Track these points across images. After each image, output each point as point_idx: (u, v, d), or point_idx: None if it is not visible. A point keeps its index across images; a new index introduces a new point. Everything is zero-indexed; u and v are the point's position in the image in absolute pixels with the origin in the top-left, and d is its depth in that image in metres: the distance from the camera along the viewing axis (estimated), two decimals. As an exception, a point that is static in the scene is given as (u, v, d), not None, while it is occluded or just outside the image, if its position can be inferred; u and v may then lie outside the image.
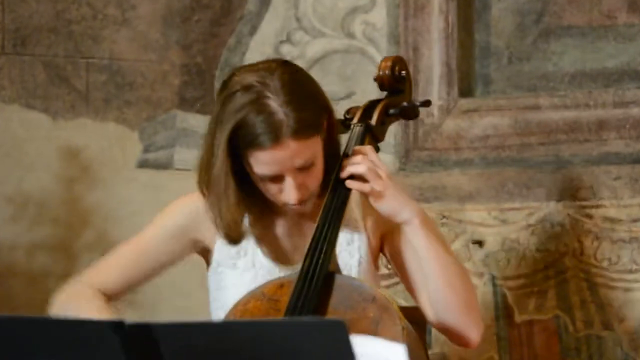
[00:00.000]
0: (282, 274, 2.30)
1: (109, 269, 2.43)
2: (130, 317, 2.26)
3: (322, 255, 2.21)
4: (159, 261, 2.43)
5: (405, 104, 2.43)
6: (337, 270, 2.25)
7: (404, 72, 2.45)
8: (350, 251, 2.42)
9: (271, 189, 2.30)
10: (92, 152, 3.34)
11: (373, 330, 2.09)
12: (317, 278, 2.19)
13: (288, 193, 2.28)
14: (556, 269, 3.05)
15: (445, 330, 2.32)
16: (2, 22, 3.33)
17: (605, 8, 3.19)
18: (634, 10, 3.17)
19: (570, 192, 3.08)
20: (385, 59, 2.47)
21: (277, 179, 2.29)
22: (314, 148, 2.30)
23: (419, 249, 2.28)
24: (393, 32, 3.30)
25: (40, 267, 3.27)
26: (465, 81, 3.29)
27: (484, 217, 3.14)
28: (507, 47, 3.31)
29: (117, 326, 1.60)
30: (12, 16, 3.32)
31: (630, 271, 2.98)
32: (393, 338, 2.05)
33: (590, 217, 3.02)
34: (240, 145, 2.27)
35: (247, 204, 2.39)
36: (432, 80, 3.26)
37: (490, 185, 3.16)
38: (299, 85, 2.31)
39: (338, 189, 2.27)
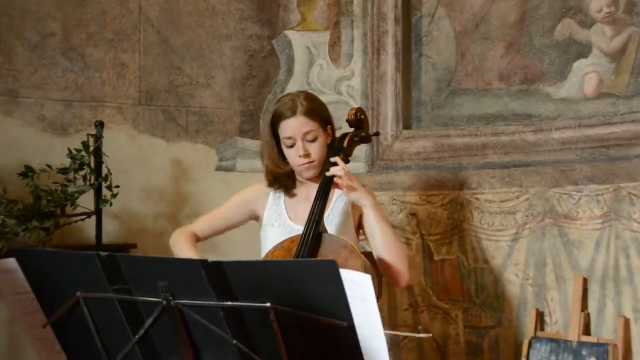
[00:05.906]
0: (298, 231, 2.55)
1: (203, 222, 2.81)
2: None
3: (314, 224, 2.47)
4: (230, 219, 2.79)
5: (363, 134, 2.73)
6: (325, 230, 2.50)
7: (362, 116, 2.75)
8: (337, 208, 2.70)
9: (291, 153, 2.61)
10: (189, 161, 3.85)
11: (344, 264, 2.29)
12: (312, 236, 2.45)
13: (298, 149, 2.58)
14: (458, 229, 3.52)
15: (385, 273, 2.59)
16: (139, 86, 3.84)
17: (486, 78, 3.71)
18: (502, 80, 3.69)
19: (466, 185, 3.54)
20: (351, 109, 2.75)
21: (293, 144, 2.58)
22: (316, 129, 2.58)
23: (371, 223, 2.59)
24: (364, 91, 3.83)
25: (160, 228, 3.78)
26: (407, 120, 3.78)
27: (417, 199, 3.60)
28: (430, 101, 3.82)
29: (203, 262, 1.76)
30: (144, 83, 3.86)
31: (499, 230, 3.47)
32: (356, 268, 2.23)
33: (477, 199, 3.49)
34: (275, 121, 2.61)
35: (283, 176, 2.64)
36: (387, 120, 3.77)
37: (421, 181, 3.62)
38: (315, 99, 2.68)
39: (326, 180, 2.59)
